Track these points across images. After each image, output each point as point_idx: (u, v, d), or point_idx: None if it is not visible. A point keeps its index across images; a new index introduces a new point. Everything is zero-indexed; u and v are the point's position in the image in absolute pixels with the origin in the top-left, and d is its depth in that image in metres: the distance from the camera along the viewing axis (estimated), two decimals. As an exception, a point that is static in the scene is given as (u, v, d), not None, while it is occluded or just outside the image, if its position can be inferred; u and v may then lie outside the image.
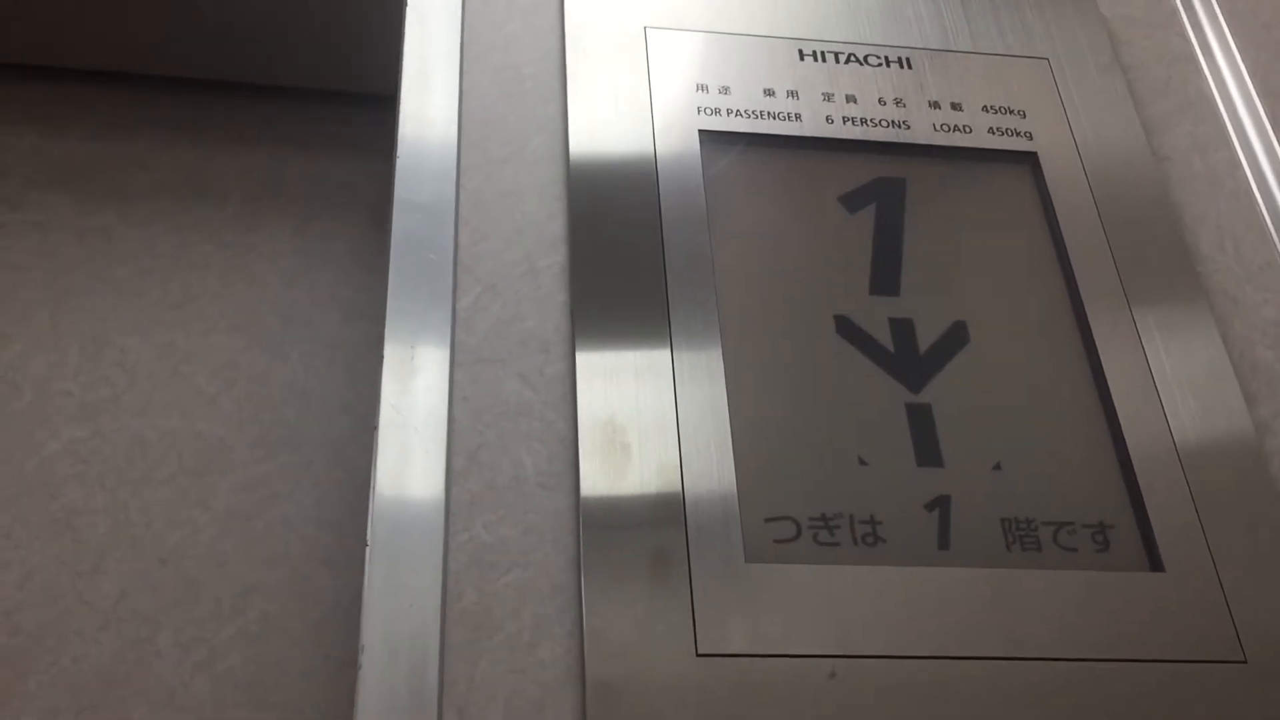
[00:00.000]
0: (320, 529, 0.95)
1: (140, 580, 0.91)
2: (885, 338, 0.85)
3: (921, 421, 0.82)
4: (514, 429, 0.78)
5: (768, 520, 0.77)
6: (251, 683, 0.87)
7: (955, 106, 0.97)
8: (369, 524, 0.72)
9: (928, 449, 0.81)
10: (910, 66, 0.98)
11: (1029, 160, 0.95)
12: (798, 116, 0.94)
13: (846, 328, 0.85)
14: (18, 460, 0.94)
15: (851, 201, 0.92)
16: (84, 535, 0.92)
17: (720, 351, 0.82)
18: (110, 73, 1.12)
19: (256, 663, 0.88)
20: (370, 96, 1.12)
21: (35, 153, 1.08)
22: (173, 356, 1.00)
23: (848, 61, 0.98)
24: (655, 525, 0.75)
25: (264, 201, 1.09)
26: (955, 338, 0.86)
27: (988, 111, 0.97)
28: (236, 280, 1.05)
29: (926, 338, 0.86)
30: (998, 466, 0.81)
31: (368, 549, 0.72)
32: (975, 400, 0.84)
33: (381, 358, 0.78)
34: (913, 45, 1.00)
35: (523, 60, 0.94)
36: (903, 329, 0.86)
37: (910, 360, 0.85)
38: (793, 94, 0.95)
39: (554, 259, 0.85)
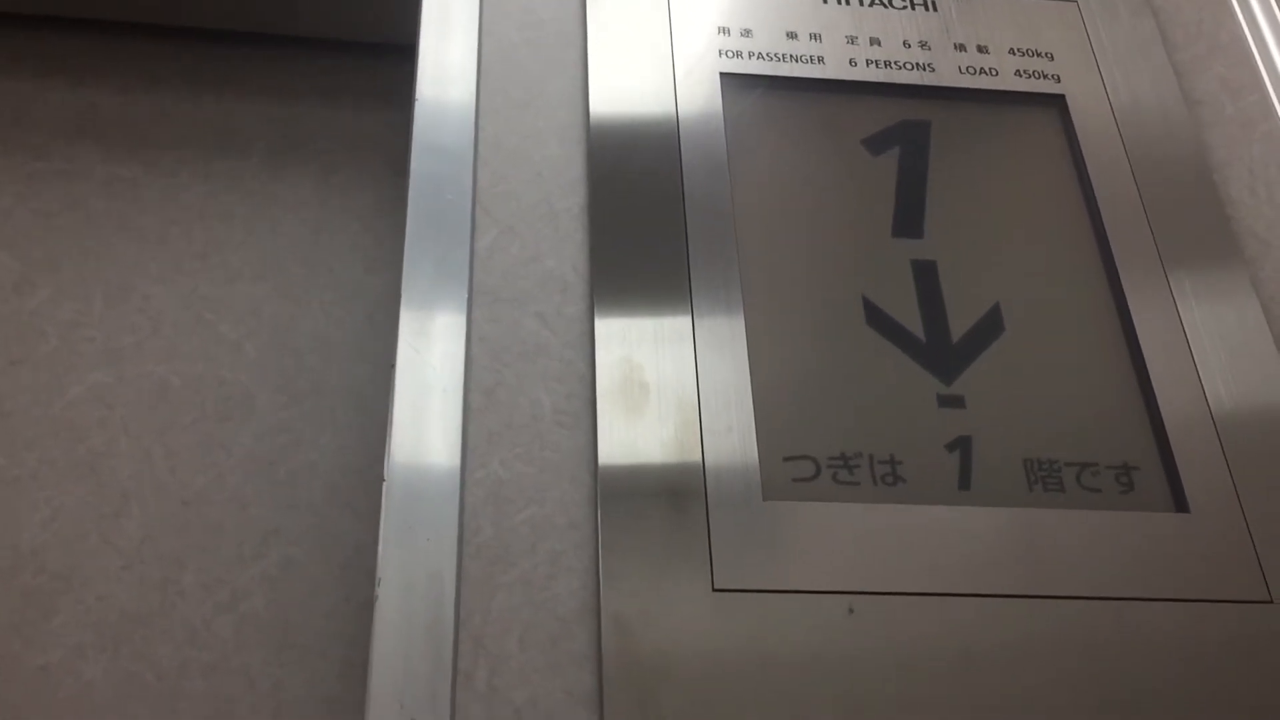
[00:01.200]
0: (342, 474, 0.95)
1: (164, 523, 0.91)
2: (914, 314, 0.83)
3: (951, 405, 0.81)
4: (532, 368, 0.78)
5: (786, 459, 0.77)
6: (273, 623, 0.88)
7: (981, 49, 0.95)
8: (386, 459, 0.72)
9: (951, 396, 0.81)
10: (935, 9, 0.97)
11: (1057, 103, 0.94)
12: (820, 59, 0.93)
13: (876, 317, 0.83)
14: (43, 404, 0.95)
15: (875, 144, 0.91)
16: (108, 478, 0.92)
17: (741, 296, 0.81)
18: (136, 25, 1.12)
19: (278, 604, 0.89)
20: (392, 46, 1.12)
21: (63, 103, 1.09)
22: (197, 304, 1.01)
23: (872, 5, 0.96)
24: (672, 462, 0.74)
25: (287, 152, 1.09)
26: (990, 325, 0.84)
27: (1015, 54, 0.96)
28: (260, 230, 1.05)
29: (957, 315, 0.84)
30: (1021, 409, 0.81)
31: (384, 484, 0.72)
32: (1010, 389, 0.82)
33: (400, 297, 0.78)
34: (938, -12, 0.99)
35: (542, 4, 0.94)
36: (926, 273, 0.85)
37: (943, 350, 0.83)
38: (815, 36, 0.94)
39: (573, 201, 0.85)
